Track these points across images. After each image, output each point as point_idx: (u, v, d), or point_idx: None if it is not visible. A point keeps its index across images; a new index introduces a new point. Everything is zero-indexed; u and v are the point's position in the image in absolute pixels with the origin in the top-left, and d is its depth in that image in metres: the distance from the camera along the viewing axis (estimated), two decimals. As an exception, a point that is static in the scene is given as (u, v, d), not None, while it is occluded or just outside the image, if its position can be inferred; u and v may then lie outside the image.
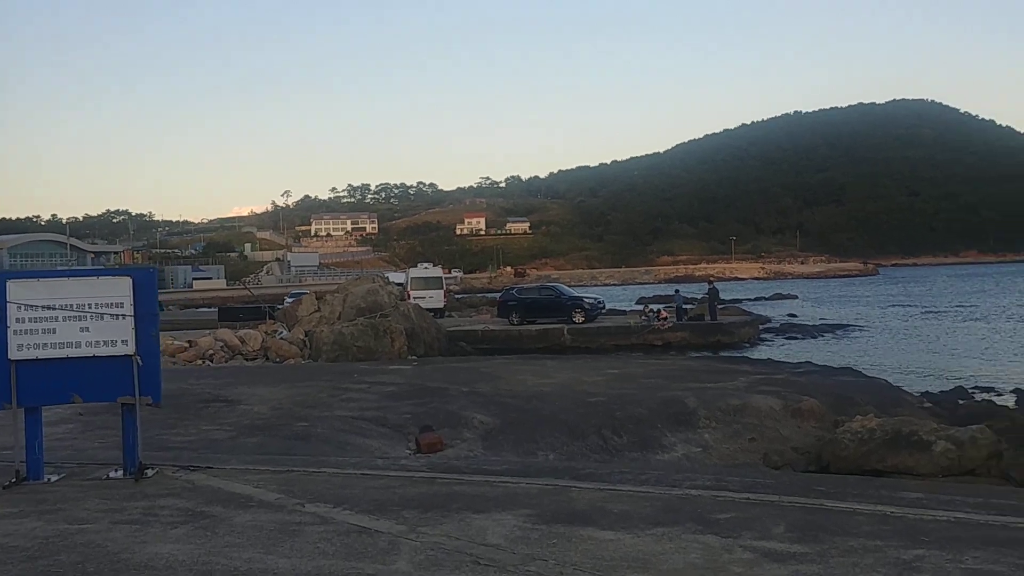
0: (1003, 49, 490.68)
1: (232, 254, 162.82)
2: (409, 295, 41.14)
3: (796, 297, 73.52)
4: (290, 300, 40.37)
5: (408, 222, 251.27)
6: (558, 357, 27.06)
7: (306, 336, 28.96)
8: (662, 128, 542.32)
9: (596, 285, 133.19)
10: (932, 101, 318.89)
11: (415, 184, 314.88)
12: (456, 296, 72.32)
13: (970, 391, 20.56)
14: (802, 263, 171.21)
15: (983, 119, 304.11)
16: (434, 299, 43.37)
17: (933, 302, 63.71)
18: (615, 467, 10.12)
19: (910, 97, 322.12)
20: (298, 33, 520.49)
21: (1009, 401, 19.32)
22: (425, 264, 51.61)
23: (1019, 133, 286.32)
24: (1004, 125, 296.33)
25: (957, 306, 56.95)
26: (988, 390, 21.37)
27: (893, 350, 32.35)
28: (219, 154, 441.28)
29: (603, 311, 39.94)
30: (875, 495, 6.70)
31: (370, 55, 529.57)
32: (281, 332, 30.47)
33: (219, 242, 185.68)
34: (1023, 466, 11.46)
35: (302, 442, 11.92)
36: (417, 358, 26.89)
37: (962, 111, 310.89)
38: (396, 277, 49.12)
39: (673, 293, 39.78)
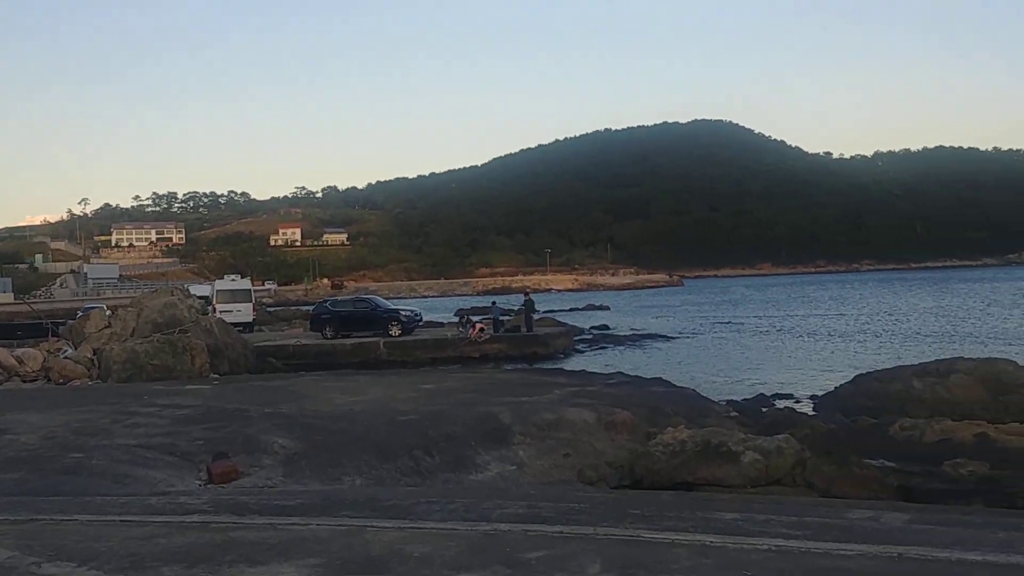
0: (792, 75, 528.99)
1: (21, 266, 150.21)
2: (215, 309, 38.96)
3: (608, 308, 75.54)
4: (82, 315, 37.32)
5: (218, 232, 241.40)
6: (372, 372, 26.15)
7: (94, 354, 26.64)
8: (479, 142, 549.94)
9: (415, 297, 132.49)
10: (729, 122, 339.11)
11: (226, 193, 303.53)
12: (268, 309, 69.68)
13: (771, 398, 21.30)
14: (613, 275, 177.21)
15: (775, 139, 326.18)
16: (242, 313, 41.38)
17: (735, 312, 67.09)
18: (423, 493, 9.46)
19: (710, 118, 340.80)
20: (95, 26, 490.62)
21: (807, 408, 20.11)
22: (232, 276, 49.19)
23: (807, 153, 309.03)
24: (793, 145, 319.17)
25: (756, 316, 60.14)
26: (787, 397, 22.24)
27: (699, 359, 33.47)
28: (7, 158, 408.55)
29: (420, 323, 39.31)
30: (691, 517, 6.37)
31: (175, 56, 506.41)
32: (66, 351, 27.91)
33: (7, 253, 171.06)
34: (825, 474, 11.68)
35: (72, 477, 10.57)
36: (220, 377, 25.24)
37: (756, 132, 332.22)
38: (200, 290, 46.52)
39: (490, 305, 39.58)
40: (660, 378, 20.93)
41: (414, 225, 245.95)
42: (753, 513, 6.69)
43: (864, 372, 20.83)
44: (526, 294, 39.71)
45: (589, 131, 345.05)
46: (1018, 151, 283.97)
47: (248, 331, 39.37)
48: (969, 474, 11.51)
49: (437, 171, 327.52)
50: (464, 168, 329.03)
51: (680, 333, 45.53)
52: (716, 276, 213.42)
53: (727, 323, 53.71)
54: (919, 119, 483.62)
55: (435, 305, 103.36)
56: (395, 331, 36.39)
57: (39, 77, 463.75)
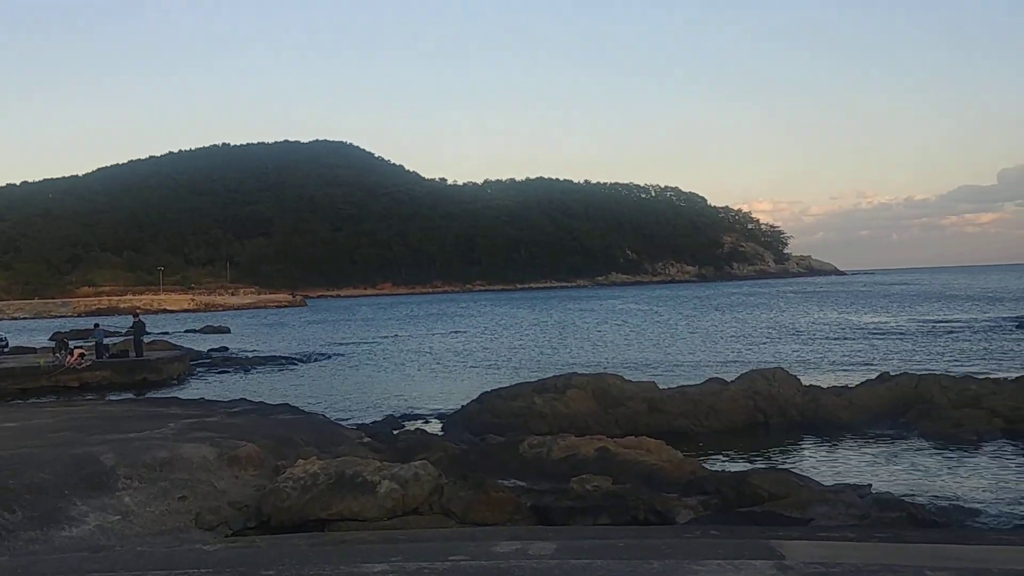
0: (408, 103, 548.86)
1: None
2: None
3: (229, 330, 72.08)
4: None
5: None
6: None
7: None
8: (82, 149, 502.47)
9: (2, 319, 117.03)
10: (350, 144, 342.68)
11: None
12: None
13: (400, 420, 21.03)
14: (233, 294, 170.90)
15: (394, 164, 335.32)
16: None
17: (361, 333, 67.07)
18: (-3, 566, 7.63)
19: (331, 139, 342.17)
20: None
21: (437, 428, 20.09)
22: None
23: (424, 179, 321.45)
24: (411, 170, 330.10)
25: (383, 336, 60.56)
26: (417, 418, 22.13)
27: (327, 382, 32.60)
28: None
29: (6, 350, 34.32)
30: (327, 572, 5.53)
31: None
32: None
33: None
34: (462, 500, 11.39)
35: None
36: None
37: (376, 155, 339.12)
38: None
39: (93, 327, 35.61)
40: (287, 404, 19.78)
41: (2, 239, 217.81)
42: (403, 561, 6.03)
43: (489, 390, 21.28)
44: (135, 315, 36.29)
45: (206, 145, 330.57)
46: (604, 184, 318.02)
47: None
48: (594, 489, 11.85)
49: (30, 180, 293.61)
50: (63, 178, 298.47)
51: (306, 355, 44.33)
52: (339, 296, 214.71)
53: (354, 344, 53.42)
54: (523, 151, 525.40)
55: (27, 328, 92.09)
56: (-28, 360, 31.41)
57: None
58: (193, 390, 30.90)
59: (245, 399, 22.14)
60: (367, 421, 20.71)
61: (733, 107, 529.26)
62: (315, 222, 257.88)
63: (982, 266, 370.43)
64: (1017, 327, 45.23)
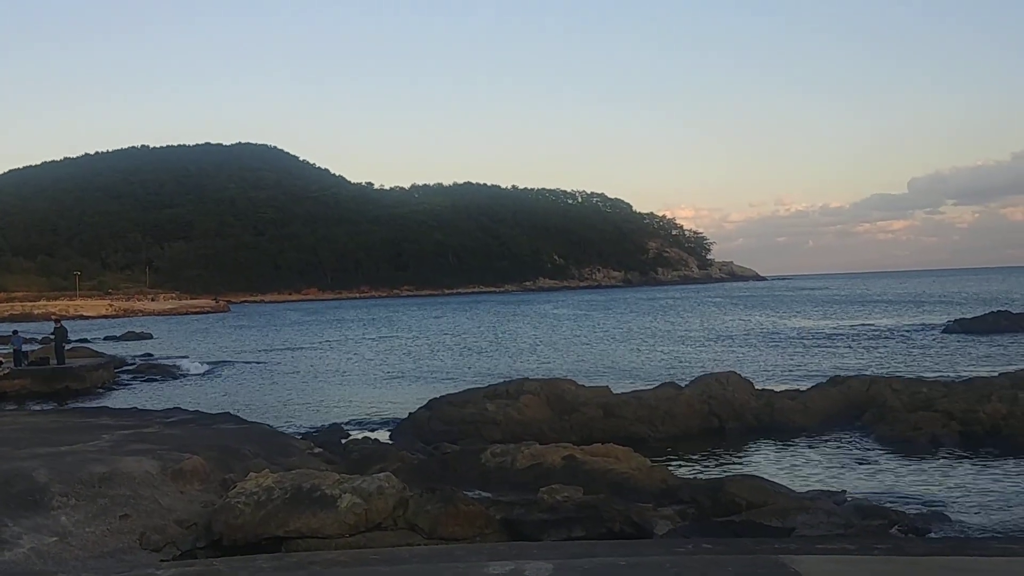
0: (334, 106, 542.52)
1: None
2: None
3: (152, 336, 69.72)
4: None
5: None
6: None
7: None
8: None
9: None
10: (274, 147, 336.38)
11: None
12: None
13: (345, 428, 20.25)
14: (153, 300, 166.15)
15: (319, 167, 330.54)
16: None
17: (287, 338, 65.56)
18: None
19: (254, 141, 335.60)
20: None
21: (384, 436, 19.40)
22: None
23: (351, 182, 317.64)
24: (337, 174, 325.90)
25: (312, 342, 59.16)
26: (361, 425, 21.39)
27: (261, 389, 31.49)
28: None
29: (-87, 359, 32.29)
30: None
31: None
32: None
33: None
34: (428, 514, 10.78)
35: None
36: None
37: (301, 159, 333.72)
38: None
39: (11, 334, 33.82)
40: (227, 412, 18.81)
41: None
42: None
43: (438, 396, 20.65)
44: (56, 321, 34.55)
45: (124, 146, 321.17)
46: (532, 189, 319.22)
47: None
48: (565, 500, 11.37)
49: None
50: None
51: (234, 361, 42.95)
52: (262, 301, 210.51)
53: (285, 350, 52.06)
54: (450, 156, 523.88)
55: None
56: None
57: None
58: (119, 398, 29.56)
59: (180, 408, 21.10)
60: (310, 430, 19.92)
61: (656, 114, 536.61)
62: (238, 226, 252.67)
63: (894, 272, 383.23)
64: (943, 331, 46.37)
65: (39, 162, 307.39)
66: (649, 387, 20.32)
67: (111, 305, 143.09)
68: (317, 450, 14.82)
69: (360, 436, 18.95)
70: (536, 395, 18.88)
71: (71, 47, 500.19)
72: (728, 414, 18.50)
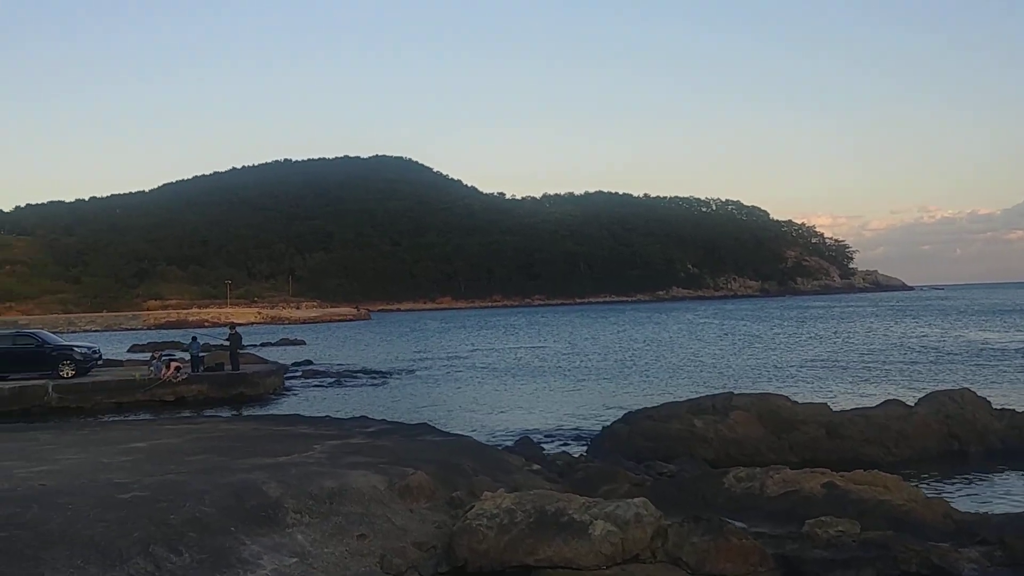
0: (467, 118, 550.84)
1: None
2: None
3: (304, 343, 71.30)
4: None
5: None
6: (51, 426, 20.87)
7: None
8: (148, 165, 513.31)
9: (75, 332, 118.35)
10: (409, 159, 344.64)
11: None
12: None
13: (537, 441, 19.32)
14: (297, 308, 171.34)
15: (452, 178, 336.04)
16: None
17: (439, 345, 65.72)
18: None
19: (390, 154, 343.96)
20: None
21: (577, 449, 18.41)
22: None
23: (483, 193, 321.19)
24: (469, 185, 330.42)
25: (470, 349, 58.95)
26: (549, 438, 20.46)
27: (431, 398, 31.01)
28: None
29: (99, 362, 33.48)
30: None
31: None
32: None
33: None
34: (695, 546, 9.65)
35: None
36: None
37: (435, 170, 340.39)
38: None
39: (190, 340, 34.65)
40: (425, 423, 18.14)
41: (72, 253, 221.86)
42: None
43: (633, 410, 19.50)
44: (232, 328, 35.21)
45: (268, 160, 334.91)
46: (664, 198, 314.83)
47: None
48: (839, 535, 10.03)
49: (99, 195, 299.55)
50: (130, 193, 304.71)
51: (394, 369, 42.96)
52: (399, 309, 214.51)
53: (439, 358, 51.92)
54: (581, 165, 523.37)
55: (99, 340, 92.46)
56: (67, 372, 30.67)
57: None
58: (292, 405, 29.67)
59: (366, 417, 20.65)
60: (498, 442, 19.09)
61: (793, 120, 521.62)
62: (375, 237, 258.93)
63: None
64: None
65: (190, 176, 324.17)
66: (868, 405, 18.59)
67: (259, 313, 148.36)
68: (535, 467, 13.87)
69: (557, 450, 17.96)
70: (747, 411, 17.46)
71: (222, 69, 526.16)
72: (970, 436, 16.62)
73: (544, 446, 18.87)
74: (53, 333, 41.32)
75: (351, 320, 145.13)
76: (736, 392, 19.10)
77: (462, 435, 17.27)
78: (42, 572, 8.57)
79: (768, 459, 15.75)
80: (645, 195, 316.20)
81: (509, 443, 18.31)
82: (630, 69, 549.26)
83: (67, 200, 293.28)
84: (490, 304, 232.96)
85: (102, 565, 8.86)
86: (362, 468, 12.43)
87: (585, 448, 18.59)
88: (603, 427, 19.43)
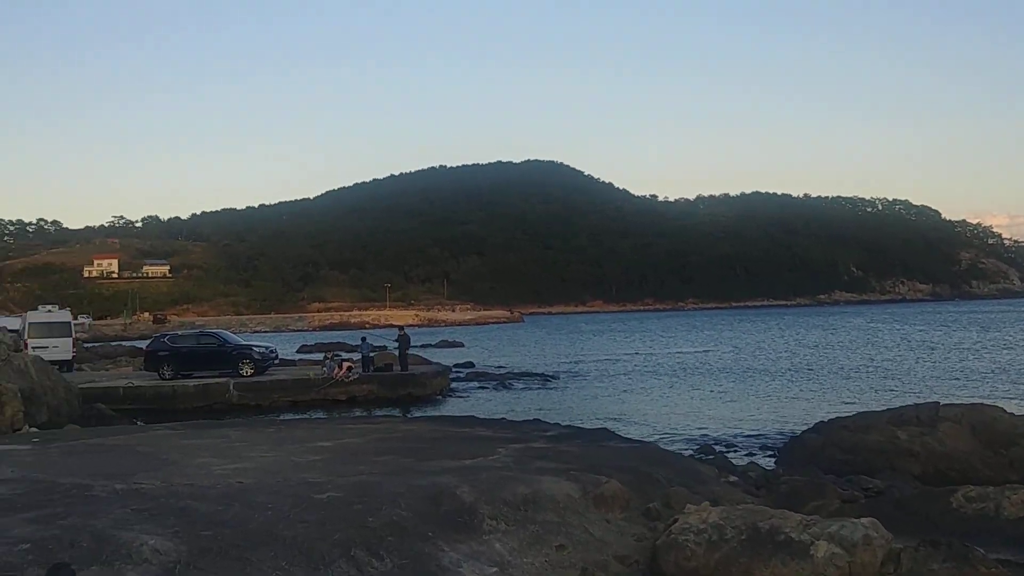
0: (618, 120, 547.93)
1: None
2: (27, 345, 32.83)
3: (463, 344, 72.15)
4: None
5: (26, 263, 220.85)
6: (239, 423, 21.56)
7: None
8: (311, 174, 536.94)
9: (246, 332, 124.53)
10: (560, 163, 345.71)
11: (35, 221, 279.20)
12: (85, 345, 61.98)
13: (719, 450, 18.42)
14: (452, 310, 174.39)
15: (603, 181, 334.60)
16: (60, 349, 35.39)
17: (596, 348, 65.02)
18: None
19: (542, 158, 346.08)
20: None
21: (767, 460, 17.39)
22: (48, 306, 42.02)
23: (634, 195, 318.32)
24: (621, 188, 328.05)
25: (627, 353, 58.05)
26: (730, 446, 19.50)
27: (599, 401, 30.44)
28: None
29: (276, 362, 34.68)
30: None
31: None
32: None
33: None
34: (934, 574, 8.63)
35: None
36: (39, 430, 20.01)
37: (585, 173, 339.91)
38: (9, 323, 39.74)
39: (360, 341, 35.42)
40: (605, 429, 17.58)
41: (242, 258, 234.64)
42: None
43: (825, 420, 18.30)
44: (400, 329, 35.79)
45: (424, 167, 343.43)
46: (826, 197, 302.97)
47: (67, 370, 33.53)
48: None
49: (267, 203, 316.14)
50: (295, 200, 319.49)
51: (557, 372, 42.59)
52: (550, 313, 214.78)
53: (601, 360, 51.28)
54: (736, 165, 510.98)
55: (269, 340, 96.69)
56: (247, 370, 31.82)
57: None
58: (460, 406, 29.73)
59: (538, 420, 20.26)
60: (675, 450, 18.28)
61: (962, 115, 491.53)
62: (526, 240, 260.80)
63: None
64: None
65: (351, 184, 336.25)
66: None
67: (417, 315, 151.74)
68: (732, 479, 13.04)
69: (742, 460, 17.01)
70: (957, 423, 16.00)
71: (380, 80, 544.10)
72: None
73: (726, 455, 17.96)
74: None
75: (504, 323, 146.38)
76: (942, 403, 17.50)
77: (643, 441, 16.58)
78: (249, 573, 8.49)
79: (984, 476, 14.37)
80: (805, 195, 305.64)
81: (688, 451, 17.49)
82: (786, 67, 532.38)
83: (238, 208, 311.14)
84: (642, 308, 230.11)
85: (307, 568, 8.71)
86: (551, 474, 11.97)
87: (772, 458, 17.56)
88: (790, 436, 18.32)
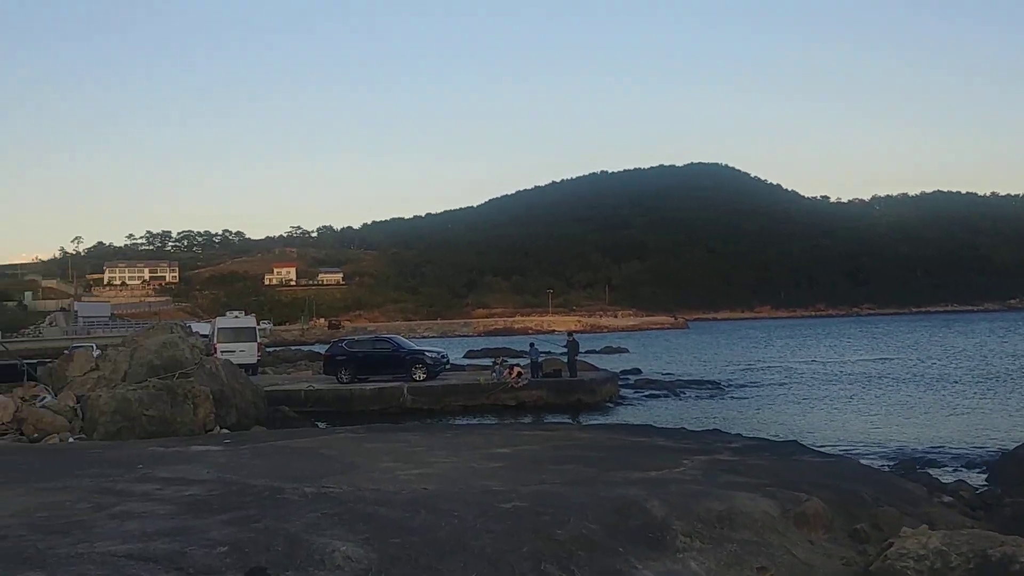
0: (786, 119, 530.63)
1: (10, 303, 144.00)
2: (216, 349, 34.70)
3: (628, 351, 71.30)
4: (67, 355, 32.96)
5: (212, 271, 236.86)
6: (416, 428, 21.84)
7: (77, 403, 22.30)
8: (475, 183, 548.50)
9: (414, 337, 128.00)
10: (725, 165, 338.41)
11: (220, 232, 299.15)
12: (267, 349, 65.31)
13: (919, 468, 17.00)
14: (614, 316, 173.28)
15: (771, 183, 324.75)
16: (246, 353, 37.23)
17: (770, 356, 62.70)
18: None
19: (706, 161, 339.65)
20: (83, 70, 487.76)
21: (975, 478, 15.92)
22: (235, 312, 44.39)
23: (804, 197, 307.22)
24: (790, 189, 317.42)
25: (804, 361, 55.63)
26: (928, 463, 18.00)
27: (778, 410, 29.12)
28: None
29: (447, 367, 35.18)
30: None
31: (166, 97, 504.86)
32: (43, 398, 23.54)
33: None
34: None
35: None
36: (230, 431, 20.91)
37: (752, 175, 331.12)
38: (201, 328, 42.20)
39: (528, 346, 35.44)
40: (794, 441, 16.58)
41: (410, 265, 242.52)
42: None
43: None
44: (570, 334, 35.57)
45: (585, 173, 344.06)
46: (1016, 196, 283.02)
47: (252, 374, 35.21)
48: None
49: (433, 211, 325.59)
50: (460, 209, 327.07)
51: (728, 380, 41.18)
52: (715, 319, 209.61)
53: (775, 368, 49.29)
54: (915, 163, 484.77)
55: (439, 345, 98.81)
56: (420, 375, 32.38)
57: (32, 115, 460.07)
58: (631, 413, 29.17)
59: (718, 430, 19.47)
60: (870, 464, 17.02)
61: None
62: (689, 245, 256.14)
63: None
64: None
65: (513, 191, 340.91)
66: None
67: (579, 321, 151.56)
68: (946, 499, 11.93)
69: (947, 477, 15.63)
70: None
71: (544, 88, 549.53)
72: None
73: (928, 470, 16.59)
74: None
75: (668, 328, 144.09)
76: None
77: (840, 456, 15.51)
78: (439, 583, 8.28)
79: None
80: (992, 193, 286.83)
81: (885, 466, 16.25)
82: (968, 53, 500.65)
83: (406, 217, 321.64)
84: (813, 313, 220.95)
85: (496, 580, 8.44)
86: (744, 489, 11.27)
87: (983, 475, 16.08)
88: (1000, 451, 16.74)
